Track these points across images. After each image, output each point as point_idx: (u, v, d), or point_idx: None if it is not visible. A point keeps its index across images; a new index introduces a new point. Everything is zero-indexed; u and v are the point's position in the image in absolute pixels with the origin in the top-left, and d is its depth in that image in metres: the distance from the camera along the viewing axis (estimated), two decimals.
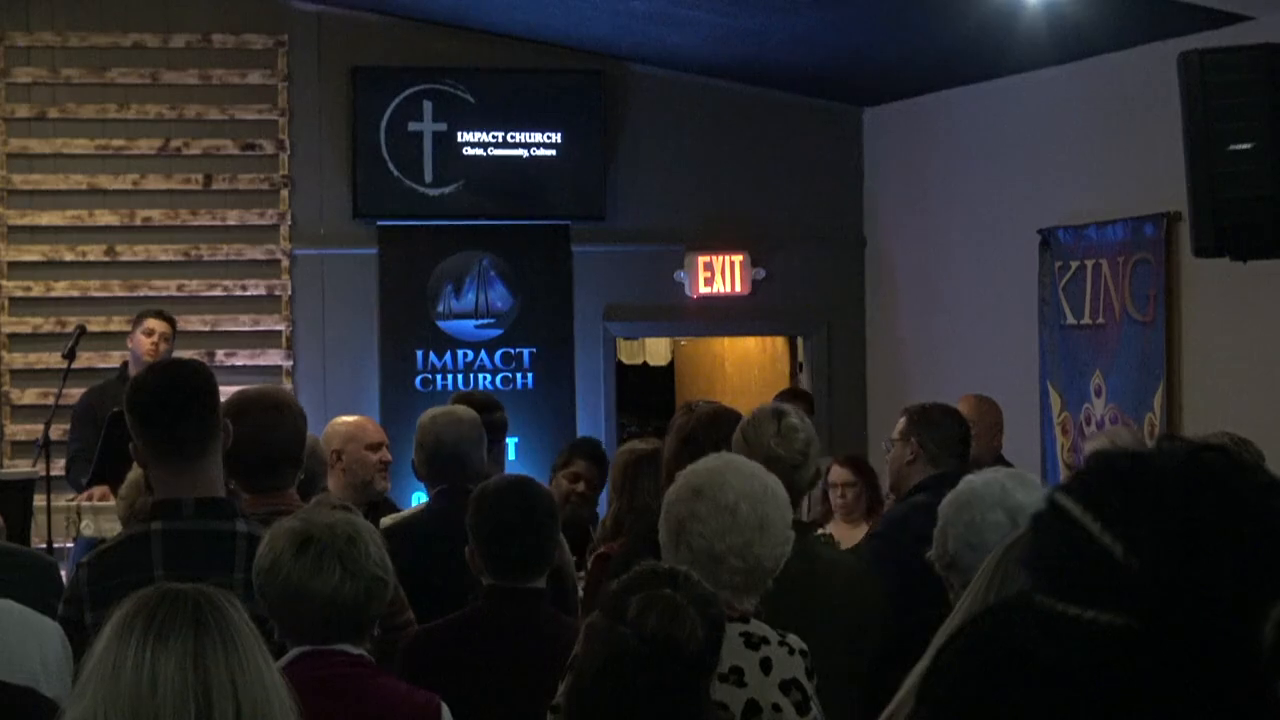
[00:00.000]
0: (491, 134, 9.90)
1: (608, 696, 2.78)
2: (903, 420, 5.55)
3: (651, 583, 2.90)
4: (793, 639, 3.38)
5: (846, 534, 6.71)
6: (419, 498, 8.69)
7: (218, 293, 9.76)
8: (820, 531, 5.22)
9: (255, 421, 4.15)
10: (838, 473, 7.08)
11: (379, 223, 9.93)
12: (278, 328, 9.82)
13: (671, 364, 12.62)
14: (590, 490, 6.35)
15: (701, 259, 10.32)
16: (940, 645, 1.21)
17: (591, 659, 2.84)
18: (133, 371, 8.21)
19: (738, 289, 10.36)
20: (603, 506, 6.40)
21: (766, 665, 3.29)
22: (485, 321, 10.05)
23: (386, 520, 5.30)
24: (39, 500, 7.07)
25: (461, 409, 5.39)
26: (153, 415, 3.57)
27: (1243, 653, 1.03)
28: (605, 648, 2.83)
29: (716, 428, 4.66)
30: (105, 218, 9.62)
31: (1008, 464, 5.85)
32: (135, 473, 4.50)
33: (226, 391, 4.01)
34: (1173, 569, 1.06)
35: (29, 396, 9.43)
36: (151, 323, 8.21)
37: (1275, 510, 1.08)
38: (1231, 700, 1.03)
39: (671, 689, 2.78)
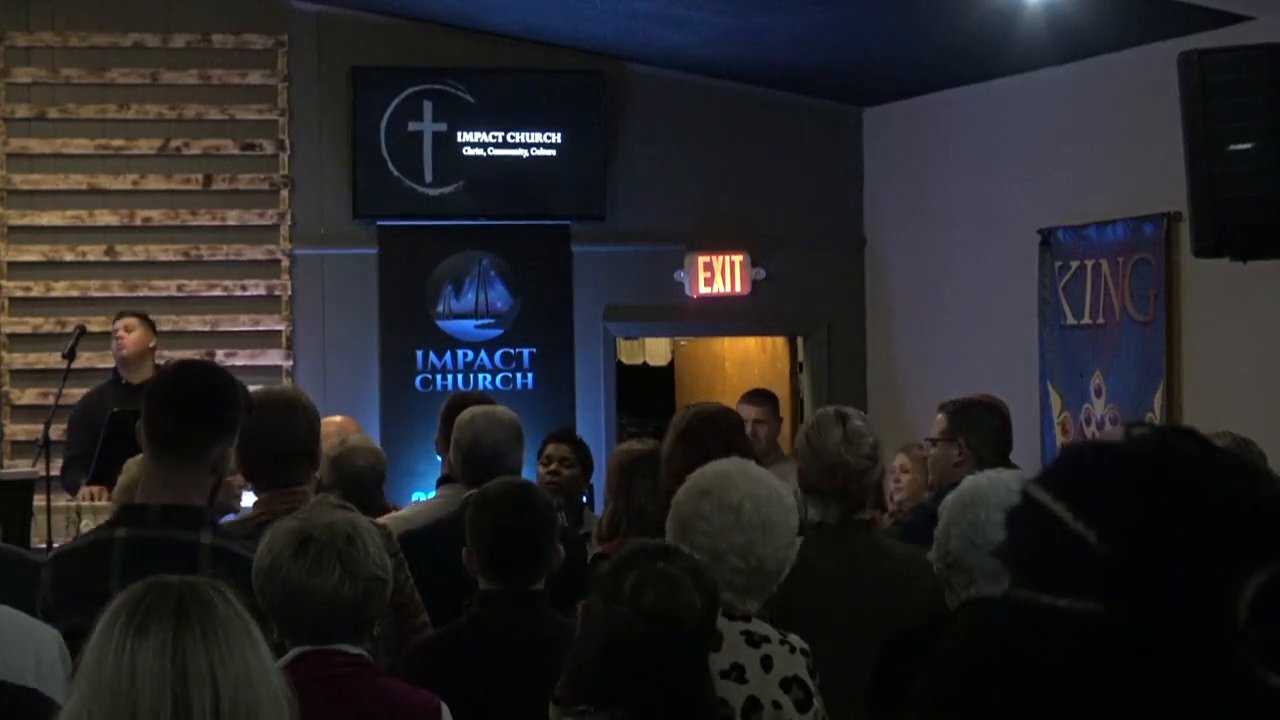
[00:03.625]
0: (491, 134, 9.90)
1: (612, 677, 2.78)
2: (943, 419, 5.45)
3: (643, 559, 2.91)
4: (794, 638, 3.40)
5: None
6: (419, 496, 8.69)
7: (218, 293, 9.75)
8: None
9: (268, 419, 4.16)
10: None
11: (379, 223, 9.93)
12: (278, 328, 9.81)
13: (671, 364, 12.61)
14: (562, 468, 6.22)
15: (701, 259, 10.31)
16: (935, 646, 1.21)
17: (591, 641, 2.84)
18: (121, 374, 8.24)
19: (738, 289, 10.36)
20: (598, 507, 6.42)
21: (767, 663, 3.31)
22: (485, 321, 10.05)
23: (385, 520, 5.29)
24: (39, 500, 7.07)
25: (501, 409, 5.32)
26: (154, 404, 3.59)
27: (1218, 631, 1.03)
28: (604, 629, 2.82)
29: (714, 425, 4.69)
30: (105, 218, 9.61)
31: (1013, 465, 5.84)
32: (126, 475, 4.51)
33: None
34: (1144, 552, 1.07)
35: (29, 396, 9.43)
36: (118, 324, 8.31)
37: (1243, 489, 1.09)
38: (1210, 680, 1.03)
39: (675, 662, 2.78)
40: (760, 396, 8.02)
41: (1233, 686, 1.03)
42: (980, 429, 5.33)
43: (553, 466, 6.22)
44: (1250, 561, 1.04)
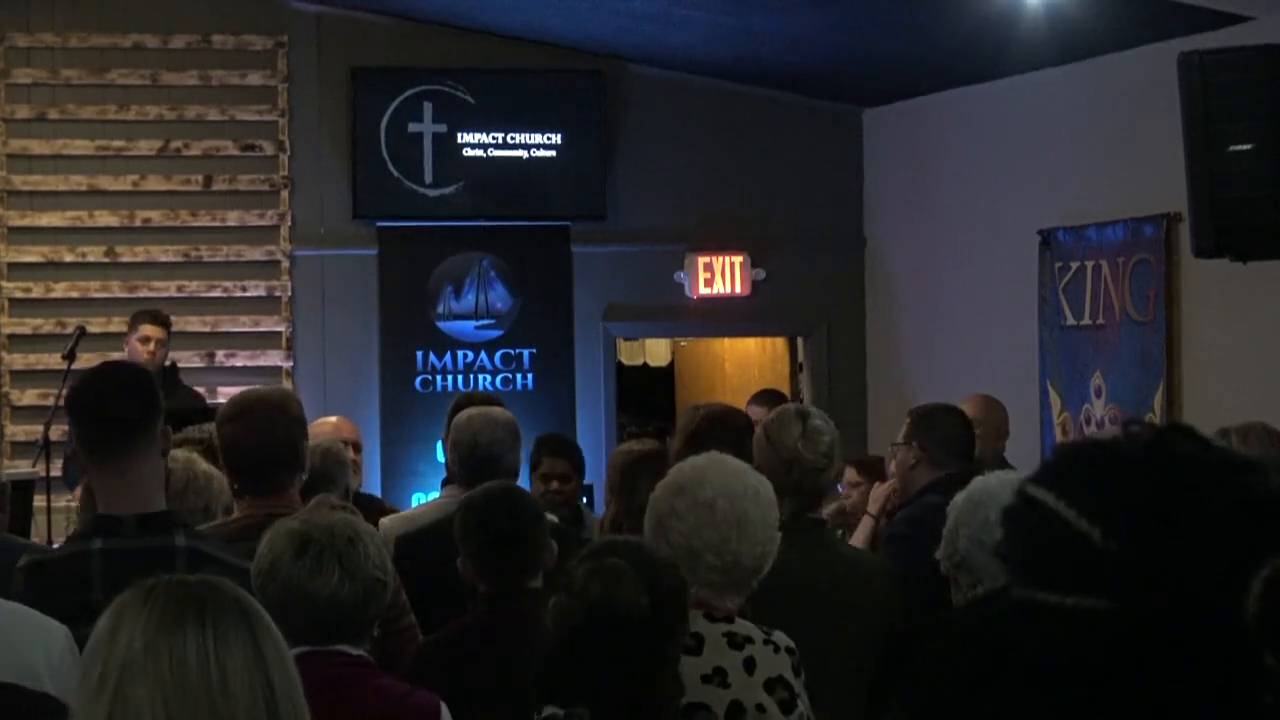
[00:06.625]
0: (491, 135, 9.90)
1: (566, 668, 2.80)
2: (907, 422, 5.51)
3: (600, 553, 2.96)
4: (779, 636, 3.38)
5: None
6: (419, 498, 8.70)
7: (217, 294, 9.75)
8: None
9: (253, 423, 4.16)
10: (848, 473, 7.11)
11: (379, 223, 9.93)
12: (278, 329, 9.81)
13: (671, 364, 12.61)
14: (564, 486, 6.14)
15: (701, 259, 10.32)
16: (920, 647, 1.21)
17: (551, 635, 2.88)
18: None
19: (738, 289, 10.36)
20: (598, 508, 6.41)
21: (750, 665, 3.29)
22: (485, 322, 10.04)
23: (389, 520, 5.30)
24: (39, 500, 7.07)
25: (498, 410, 5.31)
26: (85, 407, 3.55)
27: (1229, 626, 1.03)
28: (558, 621, 2.88)
29: (722, 426, 4.68)
30: (105, 219, 9.61)
31: (1009, 466, 5.83)
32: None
33: (227, 393, 4.01)
34: (1152, 549, 1.07)
35: (29, 397, 9.43)
36: (147, 329, 8.20)
37: (1246, 485, 1.09)
38: (1222, 673, 1.03)
39: (623, 655, 2.79)
40: (770, 397, 7.99)
41: (1246, 680, 1.03)
42: (938, 432, 5.32)
43: (554, 485, 6.05)
44: (1256, 556, 1.04)
